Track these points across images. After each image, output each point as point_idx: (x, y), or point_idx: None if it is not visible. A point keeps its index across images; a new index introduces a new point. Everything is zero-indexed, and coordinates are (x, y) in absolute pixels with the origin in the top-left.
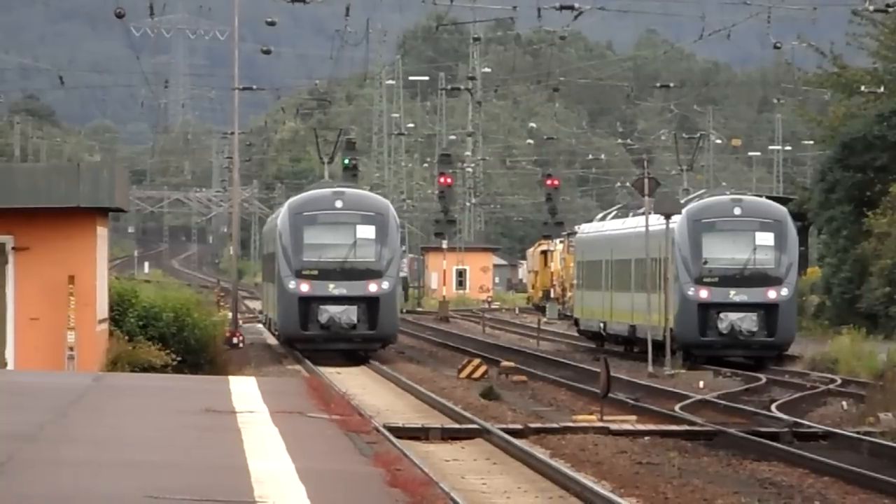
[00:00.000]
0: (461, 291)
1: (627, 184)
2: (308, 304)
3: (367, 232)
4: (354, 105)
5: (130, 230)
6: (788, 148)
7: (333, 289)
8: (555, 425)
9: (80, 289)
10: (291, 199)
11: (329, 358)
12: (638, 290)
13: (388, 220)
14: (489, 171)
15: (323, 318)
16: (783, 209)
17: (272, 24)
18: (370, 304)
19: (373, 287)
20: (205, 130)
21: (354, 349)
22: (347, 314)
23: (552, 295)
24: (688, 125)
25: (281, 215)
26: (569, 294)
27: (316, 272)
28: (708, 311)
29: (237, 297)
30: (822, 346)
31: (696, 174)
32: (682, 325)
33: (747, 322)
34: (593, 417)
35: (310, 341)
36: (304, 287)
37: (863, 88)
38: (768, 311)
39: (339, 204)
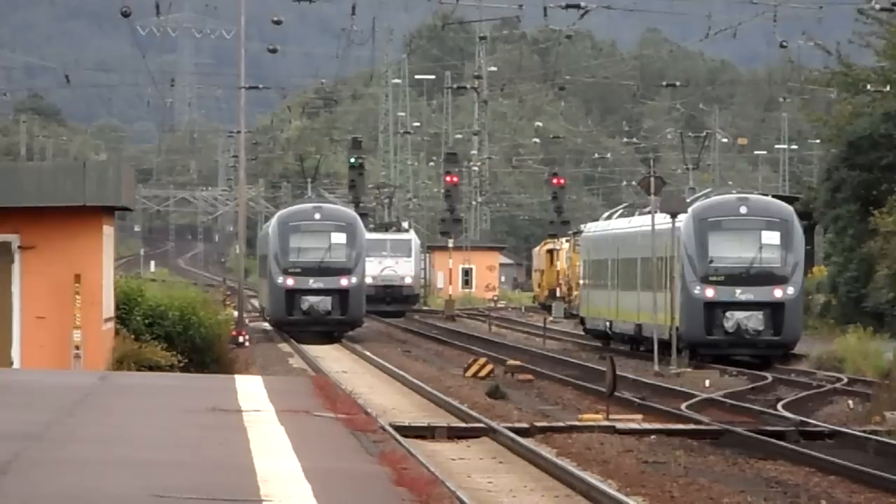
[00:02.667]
0: (467, 290)
1: (633, 183)
2: (292, 295)
3: (339, 238)
4: (360, 104)
5: (136, 229)
6: (794, 147)
7: (313, 283)
8: (561, 424)
9: (86, 287)
10: (280, 212)
11: (309, 338)
12: (644, 288)
13: (356, 228)
14: (495, 169)
15: (304, 306)
16: (789, 208)
17: (278, 22)
18: (342, 295)
19: (344, 281)
20: (211, 129)
21: (329, 331)
22: (324, 303)
23: (558, 294)
24: (694, 124)
25: (272, 224)
26: (575, 293)
27: (299, 269)
28: (714, 309)
29: (243, 295)
30: (828, 345)
31: (702, 173)
32: (688, 324)
33: (753, 321)
34: (599, 416)
35: (294, 325)
36: (290, 281)
37: (869, 87)
38: (774, 310)
39: (317, 216)
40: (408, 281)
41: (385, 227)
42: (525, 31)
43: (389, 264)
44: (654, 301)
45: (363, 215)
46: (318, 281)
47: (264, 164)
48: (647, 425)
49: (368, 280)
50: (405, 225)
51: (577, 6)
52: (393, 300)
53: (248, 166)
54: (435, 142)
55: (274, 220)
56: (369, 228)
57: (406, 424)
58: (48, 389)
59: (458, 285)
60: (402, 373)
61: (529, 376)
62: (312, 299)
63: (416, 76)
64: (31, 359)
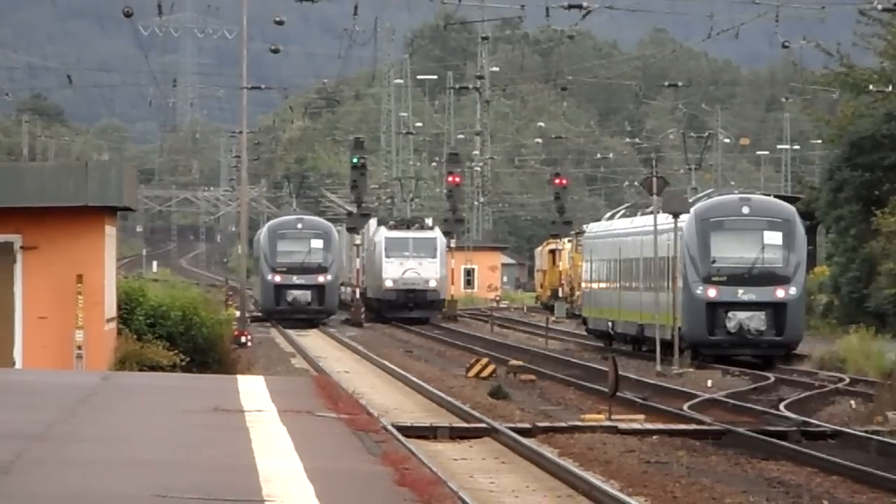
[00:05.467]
0: (469, 290)
1: (636, 183)
2: (279, 290)
3: (317, 244)
4: (362, 104)
5: (139, 229)
6: (797, 147)
7: (296, 279)
8: (563, 424)
9: (88, 288)
10: (269, 222)
11: (293, 324)
12: (646, 289)
13: (331, 235)
14: (497, 170)
15: (289, 298)
16: (791, 208)
17: (280, 23)
18: (319, 290)
19: (321, 278)
20: (213, 129)
21: (309, 318)
22: (304, 295)
23: (560, 294)
24: (696, 124)
25: (263, 232)
26: (577, 293)
27: (285, 269)
28: (716, 310)
29: (245, 295)
30: (830, 345)
31: (704, 173)
32: (691, 324)
33: (755, 321)
34: (601, 416)
35: (281, 313)
36: (278, 278)
37: (871, 88)
38: (776, 310)
39: (300, 225)
40: (433, 284)
41: (406, 225)
42: (527, 31)
43: (412, 266)
44: (657, 301)
45: (365, 215)
46: (300, 278)
47: (266, 165)
48: (649, 425)
49: (388, 283)
50: (429, 221)
51: (580, 6)
52: (416, 306)
53: (250, 166)
54: (437, 142)
55: (265, 229)
56: (388, 226)
57: (408, 424)
58: (50, 389)
59: (460, 285)
60: (404, 373)
61: (531, 376)
62: (295, 293)
63: (418, 76)
64: (33, 359)
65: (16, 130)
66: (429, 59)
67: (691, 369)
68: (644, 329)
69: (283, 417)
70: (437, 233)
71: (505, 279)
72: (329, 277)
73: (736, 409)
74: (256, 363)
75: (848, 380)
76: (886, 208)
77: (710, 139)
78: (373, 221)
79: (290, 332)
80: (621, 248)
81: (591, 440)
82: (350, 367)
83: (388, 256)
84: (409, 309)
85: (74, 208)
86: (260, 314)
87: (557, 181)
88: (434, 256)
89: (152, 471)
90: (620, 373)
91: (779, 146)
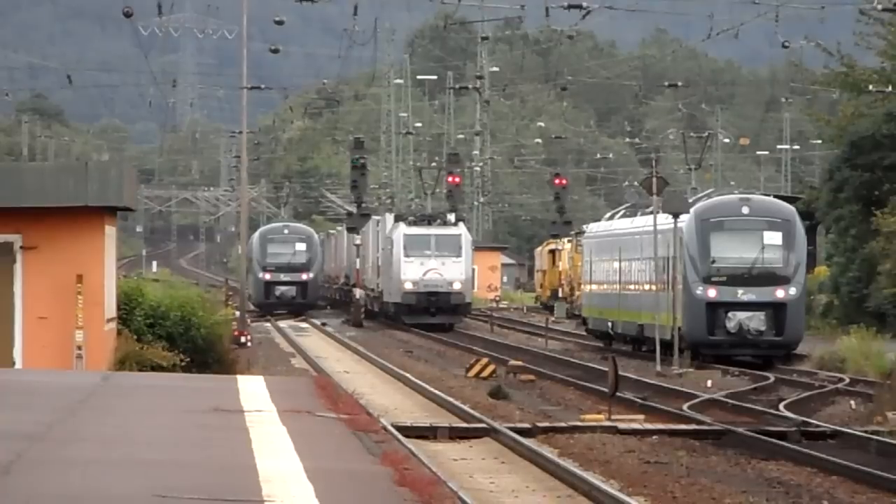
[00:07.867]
0: None
1: (636, 183)
2: (269, 286)
3: (301, 246)
4: (362, 104)
5: (138, 229)
6: (797, 147)
7: (283, 277)
8: (563, 424)
9: (88, 288)
10: (260, 229)
11: (281, 316)
12: (646, 289)
13: (313, 239)
14: (497, 170)
15: (277, 293)
16: (791, 208)
17: (280, 23)
18: (303, 286)
19: (304, 276)
20: (213, 129)
21: (295, 310)
22: (290, 291)
23: (560, 294)
24: (696, 124)
25: (255, 236)
26: (577, 293)
27: (274, 268)
28: (716, 310)
29: (245, 295)
30: (830, 346)
31: (704, 173)
32: (691, 325)
33: (755, 321)
34: (601, 417)
35: (270, 306)
36: (267, 276)
37: (871, 88)
38: (776, 311)
39: (286, 231)
40: (457, 286)
41: (427, 220)
42: (527, 31)
43: (434, 266)
44: (657, 301)
45: (365, 215)
46: (287, 275)
47: (266, 165)
48: (649, 425)
49: (408, 286)
50: (451, 217)
51: (580, 6)
52: (438, 310)
53: (249, 166)
54: (437, 142)
55: (257, 234)
56: (408, 222)
57: (408, 425)
58: (50, 390)
59: None
60: (403, 373)
61: (531, 376)
62: (282, 288)
63: (418, 76)
64: (33, 359)
65: (16, 130)
66: (428, 60)
67: (691, 369)
68: (644, 329)
69: (283, 417)
70: (461, 229)
71: (505, 279)
72: (311, 275)
73: (736, 409)
74: (256, 363)
75: (848, 380)
76: (886, 208)
77: (709, 139)
78: (389, 217)
79: (290, 332)
80: (621, 248)
81: (591, 440)
82: (350, 367)
83: (407, 256)
84: (431, 314)
85: (74, 208)
86: (258, 313)
87: (557, 181)
88: (459, 255)
89: (152, 471)
90: (620, 373)
91: (779, 146)
